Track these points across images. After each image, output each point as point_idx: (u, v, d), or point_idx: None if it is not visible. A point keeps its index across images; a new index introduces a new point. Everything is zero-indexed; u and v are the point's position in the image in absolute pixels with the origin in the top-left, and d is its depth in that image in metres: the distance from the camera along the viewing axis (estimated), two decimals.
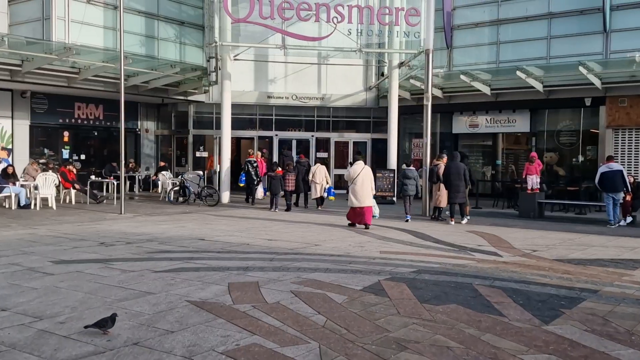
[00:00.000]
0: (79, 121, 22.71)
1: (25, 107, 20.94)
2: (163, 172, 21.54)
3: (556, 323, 5.57)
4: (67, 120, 22.27)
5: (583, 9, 20.23)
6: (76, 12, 19.80)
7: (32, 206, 16.80)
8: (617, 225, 14.42)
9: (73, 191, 18.61)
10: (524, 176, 16.73)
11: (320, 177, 18.01)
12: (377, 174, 20.74)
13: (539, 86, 20.29)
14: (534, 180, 16.14)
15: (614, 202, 14.61)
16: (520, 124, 22.20)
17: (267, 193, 17.81)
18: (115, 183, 18.73)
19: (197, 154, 24.43)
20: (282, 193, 17.84)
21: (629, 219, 15.19)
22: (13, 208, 16.49)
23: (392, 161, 21.24)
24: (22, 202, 16.77)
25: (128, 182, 23.62)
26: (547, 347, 4.85)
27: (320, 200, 18.28)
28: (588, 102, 20.19)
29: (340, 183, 25.68)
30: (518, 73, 19.25)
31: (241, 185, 19.97)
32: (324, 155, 25.14)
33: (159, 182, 22.15)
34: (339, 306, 6.07)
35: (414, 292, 6.67)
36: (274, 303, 6.15)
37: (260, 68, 24.17)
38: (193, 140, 24.47)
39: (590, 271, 8.20)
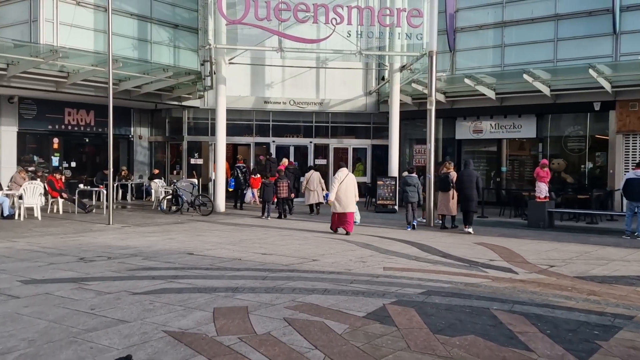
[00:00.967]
0: (69, 127, 21.92)
1: (13, 113, 20.16)
2: (155, 180, 20.73)
3: None
4: (56, 127, 21.50)
5: (591, 10, 19.48)
6: (65, 14, 19.04)
7: (17, 216, 15.98)
8: (635, 236, 13.60)
9: (61, 200, 17.78)
10: (539, 180, 15.68)
11: (315, 184, 17.88)
12: (378, 182, 20.00)
13: (546, 90, 19.53)
14: (543, 188, 15.34)
15: (634, 212, 13.79)
16: (526, 129, 21.42)
17: (259, 199, 18.03)
18: (105, 192, 17.89)
19: (192, 161, 23.63)
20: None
21: None
22: None
23: (394, 168, 20.45)
24: (6, 212, 15.96)
25: (120, 191, 22.86)
26: None
27: (316, 207, 18.30)
28: (597, 106, 19.42)
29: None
30: (525, 76, 18.48)
31: (230, 190, 20.21)
32: (322, 162, 24.36)
33: (152, 191, 21.35)
34: (339, 338, 5.25)
35: (424, 320, 5.86)
36: (264, 334, 5.33)
37: (257, 72, 23.42)
38: (188, 147, 23.68)
39: (618, 291, 7.39)
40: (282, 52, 17.61)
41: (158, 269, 8.63)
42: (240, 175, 20.35)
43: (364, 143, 24.65)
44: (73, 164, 22.49)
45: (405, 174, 21.51)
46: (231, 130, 23.62)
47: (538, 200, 15.75)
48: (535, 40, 20.68)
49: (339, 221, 13.60)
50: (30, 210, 16.44)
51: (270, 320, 5.79)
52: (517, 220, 17.66)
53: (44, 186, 17.12)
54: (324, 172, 24.06)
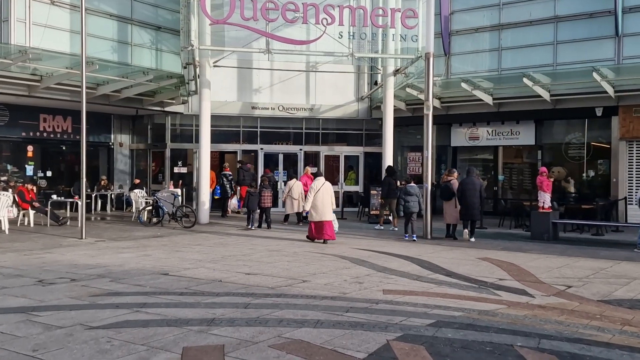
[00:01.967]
0: (45, 134, 20.76)
1: None
2: (135, 190, 19.60)
3: None
4: (31, 134, 20.34)
5: (592, 12, 18.69)
6: (39, 14, 17.94)
7: None
8: None
9: (32, 212, 16.62)
10: (544, 190, 14.79)
11: (297, 192, 17.51)
12: (371, 192, 19.03)
13: (545, 95, 18.68)
14: (547, 198, 14.43)
15: None
16: (525, 136, 20.55)
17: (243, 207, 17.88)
18: (80, 203, 16.72)
19: (176, 170, 22.51)
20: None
21: None
22: None
23: None
24: None
25: (100, 201, 21.70)
26: None
27: (299, 216, 17.79)
28: (599, 112, 18.58)
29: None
30: (525, 80, 17.62)
31: (216, 197, 20.06)
32: (313, 170, 23.30)
33: (132, 201, 20.21)
34: None
35: None
36: None
37: (244, 76, 22.40)
38: (171, 155, 22.56)
39: None
40: (269, 54, 16.59)
41: (125, 294, 7.54)
42: (226, 183, 20.15)
43: (356, 150, 23.68)
44: (49, 173, 21.31)
45: (403, 183, 20.81)
46: (217, 137, 22.59)
47: (541, 210, 14.83)
48: (533, 43, 19.86)
49: (317, 230, 13.55)
50: None
51: None
52: (518, 231, 16.71)
53: (13, 197, 15.96)
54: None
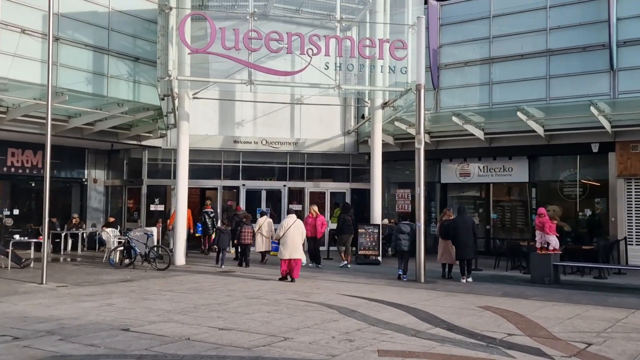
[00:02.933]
0: (13, 170, 19.55)
1: None
2: (107, 229, 18.36)
3: None
4: None
5: (586, 46, 18.13)
6: (8, 43, 16.88)
7: None
8: None
9: None
10: (547, 232, 13.92)
11: (267, 229, 16.89)
12: (359, 230, 17.96)
13: (539, 130, 17.97)
14: (553, 240, 13.54)
15: None
16: (518, 172, 19.76)
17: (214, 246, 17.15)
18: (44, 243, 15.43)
19: (152, 207, 21.30)
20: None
21: None
22: None
23: (376, 214, 18.47)
24: None
25: (70, 241, 20.40)
26: None
27: (263, 255, 17.16)
28: (595, 148, 17.86)
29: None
30: (519, 114, 16.91)
31: (197, 235, 19.59)
32: (297, 207, 22.25)
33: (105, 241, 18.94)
34: None
35: None
36: None
37: (226, 109, 21.51)
38: (147, 192, 21.39)
39: None
40: (252, 85, 15.70)
41: (71, 356, 6.36)
42: (208, 220, 19.39)
43: (343, 187, 22.71)
44: (16, 211, 20.02)
45: (386, 221, 19.87)
46: (197, 173, 21.57)
47: (540, 252, 13.89)
48: (525, 77, 19.22)
49: (287, 268, 13.38)
50: None
51: None
52: (515, 273, 15.72)
53: None
54: (301, 219, 22.03)
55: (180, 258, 16.75)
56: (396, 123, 19.09)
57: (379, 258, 17.76)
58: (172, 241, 17.70)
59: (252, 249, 16.71)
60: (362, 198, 22.59)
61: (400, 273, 14.11)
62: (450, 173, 21.08)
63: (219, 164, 21.82)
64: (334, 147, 22.39)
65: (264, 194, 21.98)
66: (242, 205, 21.38)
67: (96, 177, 22.09)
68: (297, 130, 22.12)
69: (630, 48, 17.49)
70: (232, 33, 15.54)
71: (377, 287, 12.64)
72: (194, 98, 17.76)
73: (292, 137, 22.03)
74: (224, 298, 10.80)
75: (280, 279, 13.43)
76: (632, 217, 17.44)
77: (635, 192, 17.45)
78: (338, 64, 15.97)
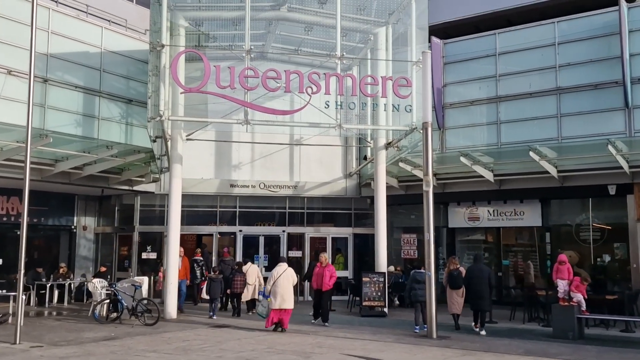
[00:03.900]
0: None
1: None
2: (94, 280, 17.20)
3: None
4: None
5: (598, 83, 17.31)
6: None
7: None
8: None
9: None
10: (554, 280, 13.00)
11: (253, 277, 16.55)
12: (363, 278, 16.83)
13: (552, 171, 17.00)
14: (580, 299, 12.47)
15: None
16: (530, 216, 18.70)
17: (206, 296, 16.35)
18: (24, 297, 14.28)
19: (144, 256, 20.17)
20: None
21: None
22: None
23: (382, 262, 17.32)
24: None
25: (57, 292, 19.19)
26: None
27: (252, 304, 16.50)
28: (612, 190, 16.85)
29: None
30: (531, 154, 15.95)
31: (188, 284, 18.07)
32: (297, 253, 21.20)
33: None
34: None
35: None
36: None
37: (222, 151, 20.64)
38: (140, 239, 20.29)
39: None
40: (248, 125, 14.82)
41: None
42: (196, 268, 18.06)
43: (345, 232, 21.63)
44: None
45: (392, 268, 18.74)
46: (192, 219, 20.64)
47: (563, 304, 12.75)
48: (535, 116, 18.36)
49: (276, 317, 13.15)
50: None
51: None
52: (533, 326, 14.51)
53: None
54: (301, 266, 20.98)
55: (171, 311, 15.58)
56: (401, 164, 18.15)
57: (385, 309, 16.53)
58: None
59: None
60: (365, 243, 21.51)
61: (417, 330, 13.39)
62: (458, 217, 20.03)
63: (215, 209, 20.83)
64: (335, 190, 21.42)
65: (262, 240, 20.89)
66: (239, 252, 20.29)
67: (86, 224, 21.03)
68: (296, 173, 21.20)
69: None
70: (228, 72, 14.75)
71: (385, 345, 11.44)
72: (187, 140, 16.92)
73: (291, 180, 21.10)
74: (215, 358, 9.62)
75: (274, 329, 13.16)
76: None
77: None
78: (339, 103, 15.12)
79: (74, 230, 20.71)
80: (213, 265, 18.28)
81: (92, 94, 18.61)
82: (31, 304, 18.43)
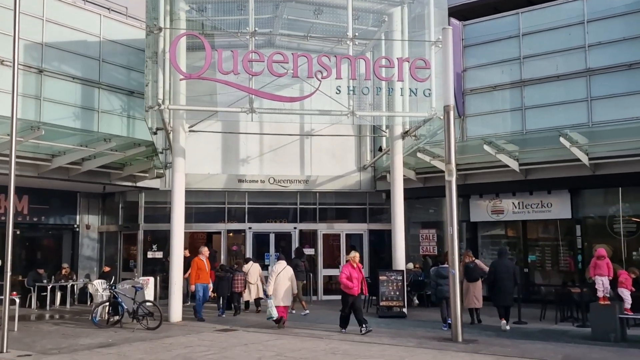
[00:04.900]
0: None
1: None
2: (95, 281, 16.24)
3: None
4: None
5: (632, 63, 16.04)
6: None
7: None
8: None
9: None
10: (592, 276, 11.82)
11: (255, 277, 16.07)
12: (380, 277, 15.70)
13: (583, 158, 15.73)
14: (627, 296, 11.28)
15: None
16: (558, 208, 17.45)
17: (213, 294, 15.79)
18: (17, 299, 13.39)
19: (149, 255, 19.22)
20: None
21: None
22: None
23: (399, 259, 16.17)
24: None
25: (59, 294, 18.32)
26: None
27: (257, 303, 16.31)
28: None
29: (331, 285, 20.59)
30: (562, 140, 14.69)
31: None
32: (310, 251, 20.11)
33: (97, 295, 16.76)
34: None
35: None
36: None
37: (229, 145, 19.63)
38: (144, 238, 19.34)
39: None
40: (253, 113, 13.74)
41: None
42: None
43: (359, 228, 20.51)
44: None
45: (410, 266, 17.62)
46: (199, 216, 19.69)
47: (603, 302, 11.54)
48: (563, 100, 17.13)
49: (283, 313, 13.34)
50: None
51: None
52: (567, 326, 13.30)
53: None
54: (313, 264, 19.93)
55: (176, 314, 14.56)
56: (419, 154, 16.98)
57: (404, 310, 15.40)
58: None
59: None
60: (381, 240, 20.41)
61: (446, 328, 12.84)
62: (481, 210, 18.82)
63: (223, 205, 19.82)
64: (348, 184, 20.30)
65: (272, 237, 19.84)
66: (249, 250, 19.27)
67: (89, 223, 20.11)
68: (307, 167, 20.12)
69: None
70: (230, 56, 13.68)
71: (406, 351, 10.32)
72: (190, 131, 15.92)
73: (302, 175, 20.02)
74: None
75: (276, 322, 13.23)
76: None
77: None
78: (351, 88, 14.00)
79: (77, 230, 19.80)
80: (221, 264, 17.44)
81: (91, 86, 17.74)
82: (32, 306, 17.60)
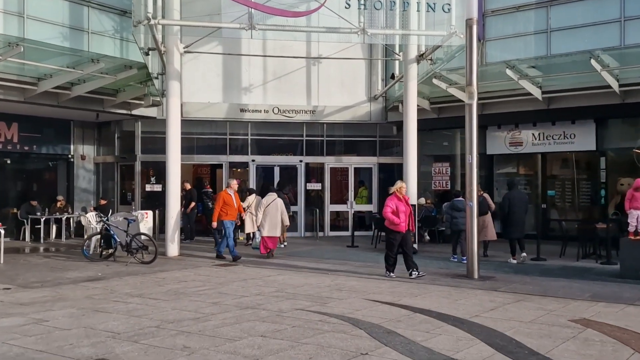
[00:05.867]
0: None
1: None
2: (88, 214, 15.43)
3: None
4: None
5: None
6: None
7: None
8: None
9: None
10: (627, 209, 10.80)
11: (256, 208, 15.00)
12: None
13: (614, 84, 14.42)
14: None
15: None
16: (582, 139, 16.30)
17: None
18: (2, 230, 12.57)
19: (148, 188, 18.35)
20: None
21: None
22: None
23: (412, 193, 15.00)
24: None
25: (55, 227, 17.62)
26: None
27: (248, 236, 16.07)
28: None
29: (338, 221, 19.79)
30: (593, 63, 13.35)
31: (199, 215, 17.52)
32: (317, 186, 19.20)
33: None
34: None
35: None
36: None
37: (231, 72, 18.37)
38: (142, 169, 18.42)
39: None
40: (253, 29, 12.42)
41: None
42: (208, 202, 17.02)
43: (369, 162, 19.48)
44: None
45: (422, 201, 16.70)
46: (200, 148, 18.71)
47: (634, 238, 10.55)
48: (593, 21, 15.63)
49: (269, 242, 13.33)
50: None
51: None
52: (591, 263, 12.40)
53: None
54: (320, 199, 19.07)
55: (172, 247, 13.78)
56: (434, 81, 15.68)
57: (415, 246, 14.49)
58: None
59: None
60: (391, 175, 19.36)
61: (455, 259, 12.86)
62: (498, 142, 17.67)
63: (224, 136, 18.74)
64: (357, 115, 19.10)
65: (277, 170, 18.86)
66: (252, 184, 18.32)
67: (84, 154, 19.16)
68: (314, 97, 18.88)
69: None
70: None
71: (419, 288, 9.44)
72: (185, 52, 14.61)
73: (308, 105, 18.81)
74: (207, 308, 7.71)
75: (265, 255, 13.18)
76: None
77: None
78: (362, 2, 12.60)
79: (72, 160, 18.86)
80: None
81: (80, 4, 16.38)
82: (26, 239, 16.94)
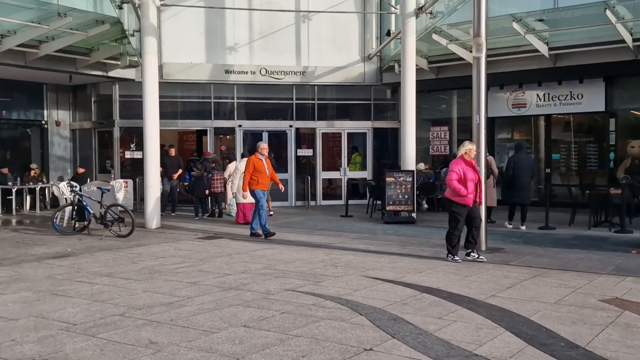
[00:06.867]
0: None
1: None
2: (61, 184, 14.31)
3: None
4: None
5: None
6: None
7: None
8: None
9: None
10: None
11: (238, 175, 13.99)
12: (387, 178, 13.71)
13: (627, 38, 13.33)
14: None
15: None
16: (591, 99, 15.28)
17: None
18: None
19: (127, 155, 17.20)
20: None
21: None
22: None
23: (409, 158, 14.06)
24: None
25: (29, 197, 16.51)
26: None
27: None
28: None
29: (330, 189, 18.84)
30: (608, 14, 12.23)
31: (185, 184, 16.22)
32: (308, 152, 18.15)
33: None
34: None
35: None
36: None
37: (213, 30, 17.09)
38: (121, 136, 17.25)
39: None
40: None
41: None
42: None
43: (363, 126, 18.40)
44: None
45: (422, 166, 15.81)
46: (183, 113, 17.56)
47: None
48: None
49: (245, 212, 12.87)
50: None
51: None
52: (603, 232, 11.52)
53: None
54: (311, 167, 18.05)
55: (152, 219, 12.73)
56: (434, 36, 14.52)
57: (414, 214, 13.59)
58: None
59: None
60: (385, 140, 18.46)
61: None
62: (500, 104, 16.61)
63: (209, 100, 17.56)
64: (351, 76, 17.93)
65: (265, 136, 17.72)
66: (239, 150, 17.23)
67: (59, 119, 17.93)
68: (304, 57, 17.66)
69: None
70: None
71: (422, 263, 8.49)
72: (162, 5, 13.33)
73: (298, 65, 17.61)
74: (184, 290, 6.72)
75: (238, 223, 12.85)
76: None
77: None
78: None
79: (45, 126, 17.64)
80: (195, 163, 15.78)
81: None
82: None
